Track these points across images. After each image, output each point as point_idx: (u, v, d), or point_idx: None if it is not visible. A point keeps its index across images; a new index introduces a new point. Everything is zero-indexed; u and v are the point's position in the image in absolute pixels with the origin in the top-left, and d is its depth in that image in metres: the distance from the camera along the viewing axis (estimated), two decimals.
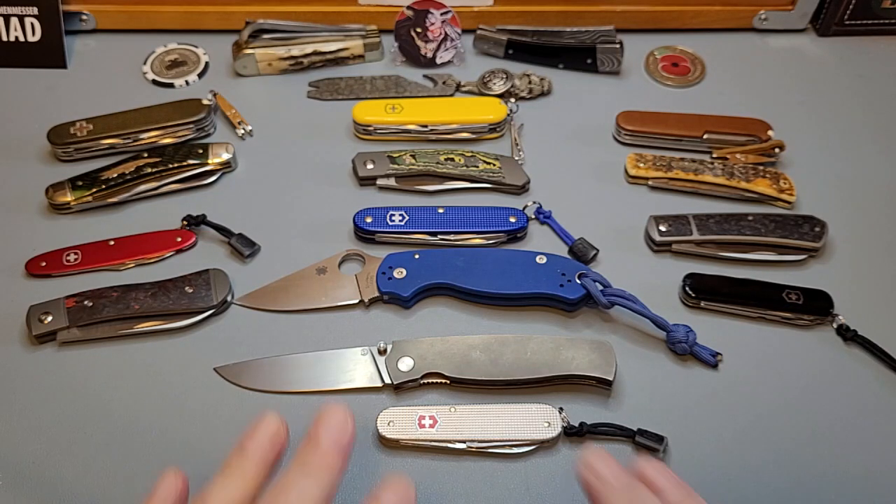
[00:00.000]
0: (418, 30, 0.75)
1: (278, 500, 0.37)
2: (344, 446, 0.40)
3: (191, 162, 0.65)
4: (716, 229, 0.61)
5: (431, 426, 0.51)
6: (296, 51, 0.75)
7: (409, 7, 0.74)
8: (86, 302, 0.56)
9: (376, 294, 0.58)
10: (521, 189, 0.66)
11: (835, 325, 0.57)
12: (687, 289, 0.58)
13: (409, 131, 0.70)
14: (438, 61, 0.77)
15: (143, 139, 0.68)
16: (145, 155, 0.66)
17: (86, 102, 0.72)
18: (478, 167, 0.66)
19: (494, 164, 0.66)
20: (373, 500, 0.38)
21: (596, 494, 0.38)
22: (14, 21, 0.75)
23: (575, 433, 0.51)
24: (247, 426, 0.52)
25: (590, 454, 0.40)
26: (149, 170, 0.65)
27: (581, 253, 0.61)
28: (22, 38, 0.76)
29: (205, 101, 0.70)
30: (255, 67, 0.75)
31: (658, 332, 0.56)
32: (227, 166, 0.67)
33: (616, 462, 0.39)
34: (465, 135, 0.70)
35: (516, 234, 0.63)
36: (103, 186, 0.64)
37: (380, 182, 0.66)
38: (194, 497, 0.37)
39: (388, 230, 0.62)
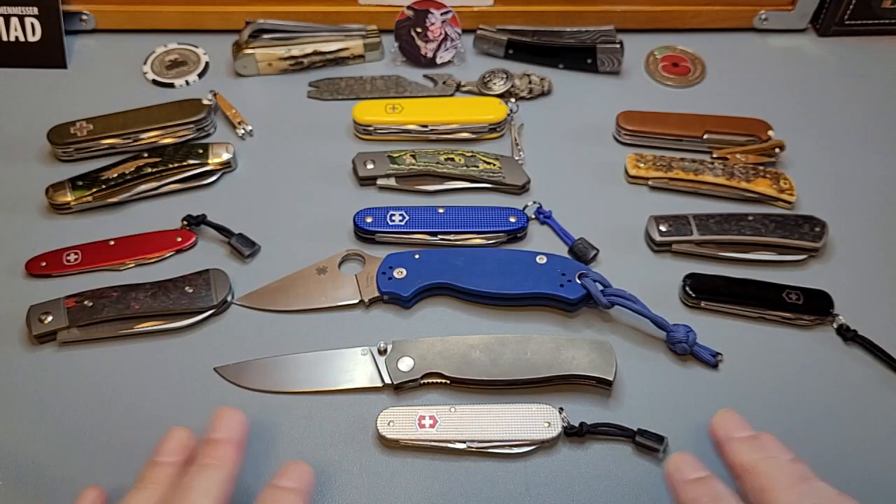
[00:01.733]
0: (418, 30, 0.75)
1: (181, 495, 0.41)
2: (236, 440, 0.45)
3: (191, 162, 0.65)
4: (716, 229, 0.61)
5: (431, 426, 0.51)
6: (296, 51, 0.75)
7: (409, 7, 0.74)
8: (86, 302, 0.56)
9: (376, 294, 0.58)
10: (521, 189, 0.66)
11: (835, 325, 0.57)
12: (687, 289, 0.58)
13: (409, 131, 0.70)
14: (438, 61, 0.77)
15: (143, 139, 0.68)
16: (145, 155, 0.66)
17: (86, 102, 0.72)
18: (478, 167, 0.66)
19: (494, 164, 0.66)
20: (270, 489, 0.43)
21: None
22: (14, 21, 0.75)
23: (575, 433, 0.51)
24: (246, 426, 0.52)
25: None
26: (149, 170, 0.65)
27: (581, 253, 0.61)
28: (22, 38, 0.76)
29: (205, 101, 0.70)
30: (255, 67, 0.75)
31: (658, 332, 0.56)
32: (227, 166, 0.67)
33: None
34: (465, 135, 0.70)
35: (516, 234, 0.63)
36: (103, 186, 0.64)
37: (380, 182, 0.66)
38: None
39: (388, 230, 0.62)
